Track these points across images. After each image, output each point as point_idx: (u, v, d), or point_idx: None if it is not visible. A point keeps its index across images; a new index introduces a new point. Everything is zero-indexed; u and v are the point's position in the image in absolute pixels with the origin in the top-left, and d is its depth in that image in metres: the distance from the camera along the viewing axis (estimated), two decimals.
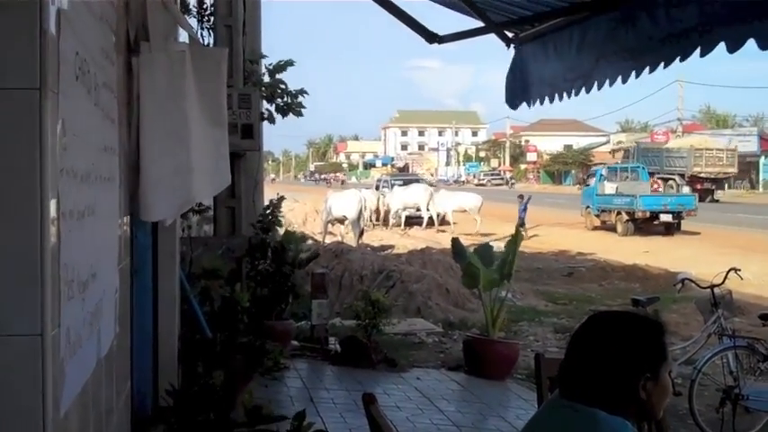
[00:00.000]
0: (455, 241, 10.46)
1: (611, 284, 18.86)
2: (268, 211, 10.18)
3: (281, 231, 10.67)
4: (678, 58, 3.77)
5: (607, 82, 4.48)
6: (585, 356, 2.40)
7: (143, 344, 4.88)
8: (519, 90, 5.68)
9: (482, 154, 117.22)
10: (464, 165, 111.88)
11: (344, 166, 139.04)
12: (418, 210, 34.37)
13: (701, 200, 37.50)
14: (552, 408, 2.52)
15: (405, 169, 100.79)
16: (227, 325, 7.47)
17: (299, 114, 10.46)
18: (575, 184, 73.66)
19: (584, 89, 4.79)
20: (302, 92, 10.50)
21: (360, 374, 9.24)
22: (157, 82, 4.02)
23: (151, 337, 5.23)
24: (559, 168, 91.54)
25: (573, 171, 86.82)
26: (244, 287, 8.94)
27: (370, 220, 33.97)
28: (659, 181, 41.71)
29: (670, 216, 31.22)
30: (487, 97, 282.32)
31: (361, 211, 27.70)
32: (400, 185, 38.32)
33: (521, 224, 29.15)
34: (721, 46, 3.41)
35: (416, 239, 27.72)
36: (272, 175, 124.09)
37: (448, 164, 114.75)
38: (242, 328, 7.83)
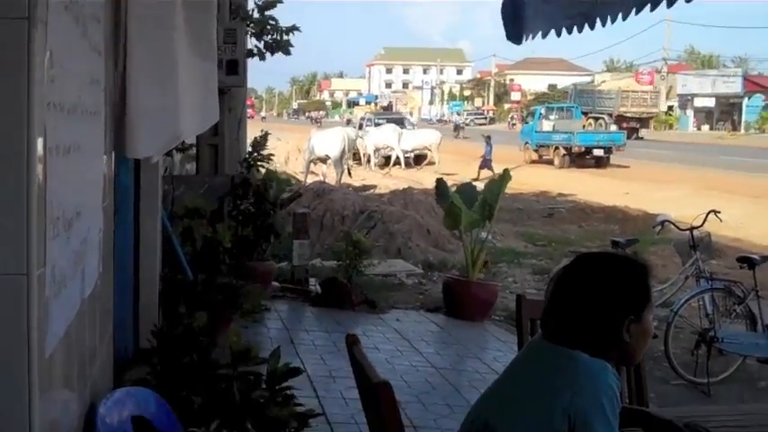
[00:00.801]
0: (440, 181, 10.48)
1: (591, 226, 18.99)
2: (253, 150, 10.14)
3: (265, 171, 10.65)
4: None
5: (609, 19, 4.38)
6: (569, 298, 2.42)
7: (125, 284, 4.90)
8: (514, 25, 5.55)
9: (467, 93, 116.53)
10: (448, 104, 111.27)
11: (328, 104, 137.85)
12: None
13: (628, 138, 42.27)
14: (534, 350, 2.56)
15: (389, 108, 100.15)
16: (208, 265, 7.49)
17: (288, 53, 10.37)
18: None
19: (587, 26, 4.69)
20: (294, 28, 10.36)
21: (340, 316, 9.32)
22: (146, 11, 3.89)
23: (132, 278, 5.26)
24: None
25: None
26: (225, 227, 8.98)
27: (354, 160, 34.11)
28: (591, 120, 49.45)
29: (602, 151, 35.51)
30: (474, 34, 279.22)
31: (344, 150, 27.63)
32: (383, 124, 38.50)
33: (483, 166, 29.76)
34: None
35: (399, 179, 27.73)
36: (263, 113, 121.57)
37: (432, 102, 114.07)
38: (223, 269, 7.86)
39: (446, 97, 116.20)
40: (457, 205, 9.76)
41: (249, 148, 10.38)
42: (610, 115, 52.84)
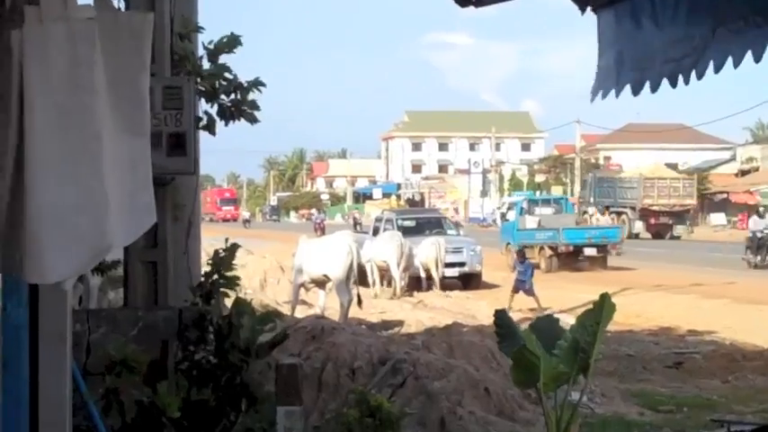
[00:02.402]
0: (501, 315, 10.42)
1: (743, 380, 18.77)
2: (213, 270, 10.12)
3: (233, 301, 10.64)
4: None
5: (729, 61, 4.47)
6: None
7: None
8: (602, 75, 5.70)
9: (539, 178, 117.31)
10: (510, 194, 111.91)
11: (324, 198, 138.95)
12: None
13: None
14: None
15: (419, 203, 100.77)
16: None
17: (254, 120, 10.43)
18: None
19: (694, 73, 4.79)
20: (257, 84, 10.44)
21: None
22: (53, 67, 3.90)
23: None
24: None
25: None
26: (171, 387, 8.92)
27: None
28: (613, 215, 59.21)
29: (595, 250, 44.51)
30: (546, 92, 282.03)
31: (351, 267, 27.59)
32: (410, 227, 38.95)
33: (516, 289, 30.01)
34: None
35: (436, 311, 27.70)
36: (246, 213, 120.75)
37: (485, 193, 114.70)
38: None
39: (507, 185, 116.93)
40: (532, 351, 9.65)
41: (207, 267, 10.34)
42: (633, 209, 60.97)
